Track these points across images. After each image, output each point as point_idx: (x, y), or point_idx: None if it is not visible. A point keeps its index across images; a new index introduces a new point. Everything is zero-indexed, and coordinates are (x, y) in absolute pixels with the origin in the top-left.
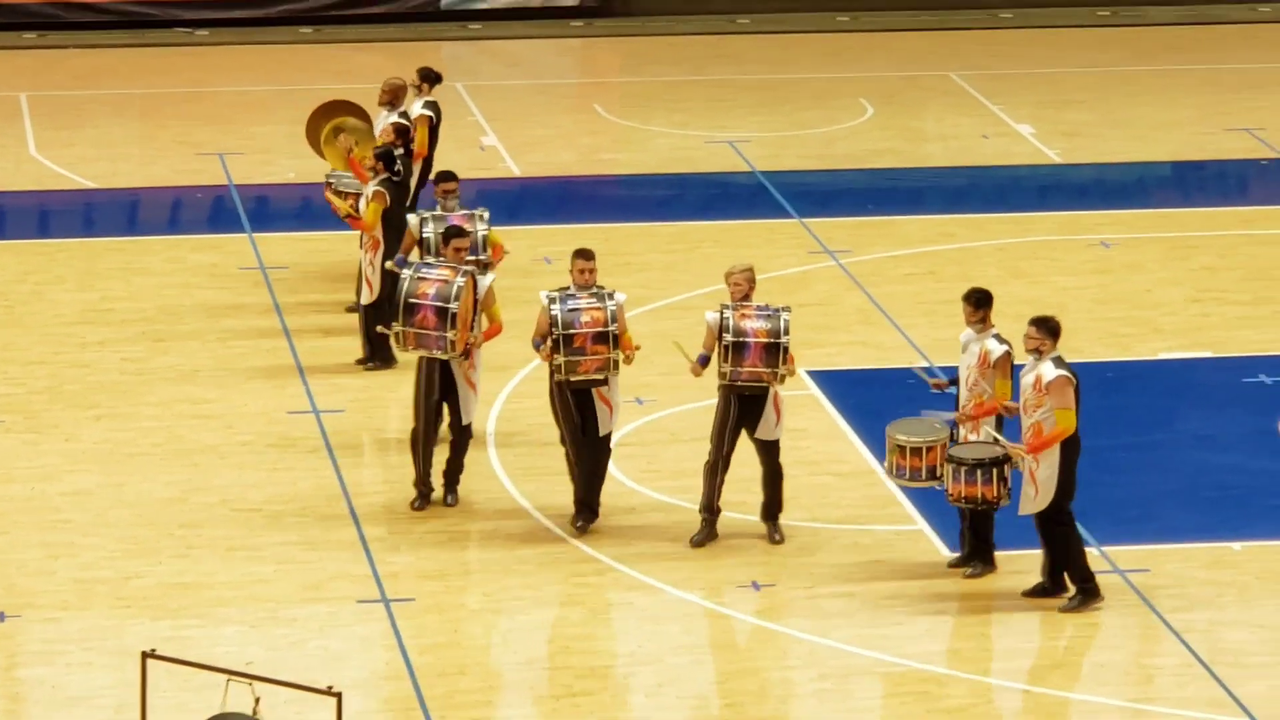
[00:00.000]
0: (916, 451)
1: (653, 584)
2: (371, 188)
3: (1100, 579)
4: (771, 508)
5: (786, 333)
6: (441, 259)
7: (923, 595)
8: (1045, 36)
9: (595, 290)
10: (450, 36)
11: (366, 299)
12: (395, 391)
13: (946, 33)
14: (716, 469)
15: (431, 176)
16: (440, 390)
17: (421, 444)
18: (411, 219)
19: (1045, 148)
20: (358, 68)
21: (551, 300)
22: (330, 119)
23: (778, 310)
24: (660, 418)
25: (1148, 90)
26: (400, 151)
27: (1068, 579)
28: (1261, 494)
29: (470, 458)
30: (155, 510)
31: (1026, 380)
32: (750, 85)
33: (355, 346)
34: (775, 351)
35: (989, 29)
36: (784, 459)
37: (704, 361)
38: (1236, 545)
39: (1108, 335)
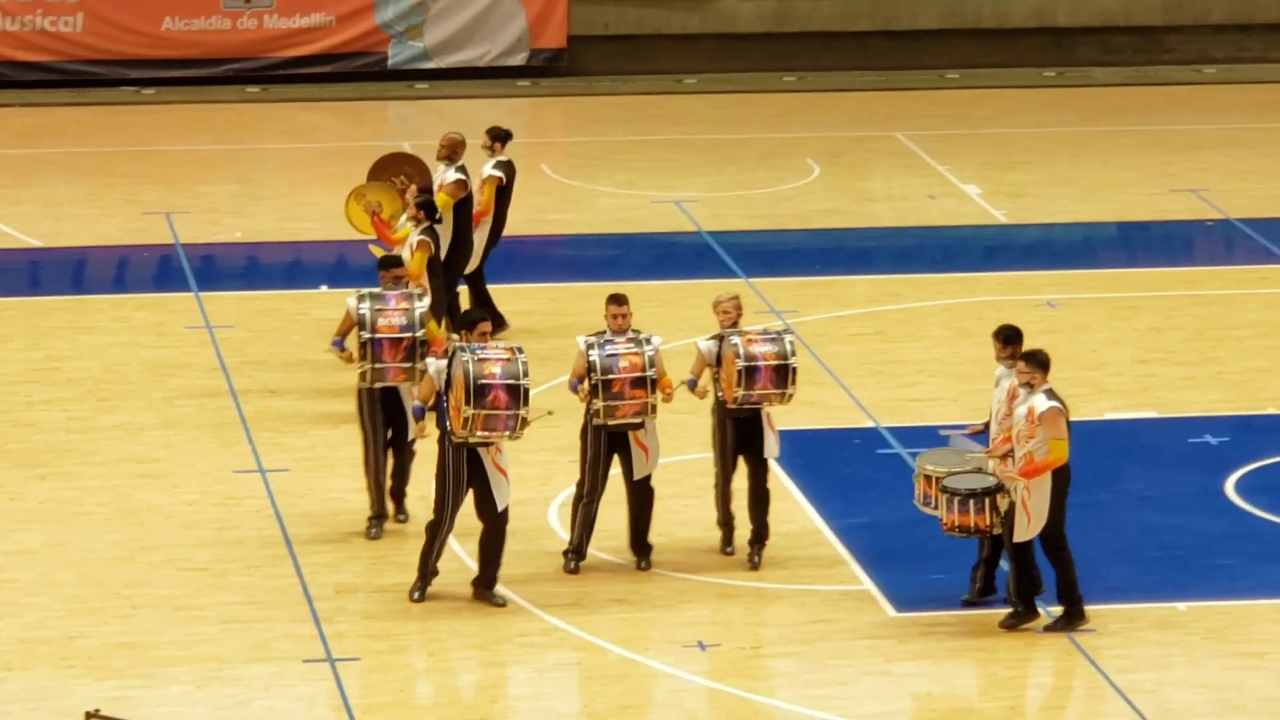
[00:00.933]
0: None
1: (598, 643)
2: (416, 237)
3: (1046, 638)
4: (760, 533)
5: (794, 354)
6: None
7: (868, 655)
8: (991, 97)
9: (632, 335)
10: (397, 96)
11: None
12: (340, 451)
13: (893, 93)
14: (726, 484)
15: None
16: (468, 480)
17: (441, 537)
18: (351, 301)
19: (991, 208)
20: (305, 127)
21: (590, 346)
22: (388, 173)
23: (781, 333)
24: None
25: (1093, 151)
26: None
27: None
28: (1207, 554)
29: (416, 518)
30: (100, 570)
31: (1019, 412)
32: (697, 145)
33: (301, 406)
34: (785, 373)
35: (935, 89)
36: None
37: (693, 385)
38: (1182, 605)
39: None
